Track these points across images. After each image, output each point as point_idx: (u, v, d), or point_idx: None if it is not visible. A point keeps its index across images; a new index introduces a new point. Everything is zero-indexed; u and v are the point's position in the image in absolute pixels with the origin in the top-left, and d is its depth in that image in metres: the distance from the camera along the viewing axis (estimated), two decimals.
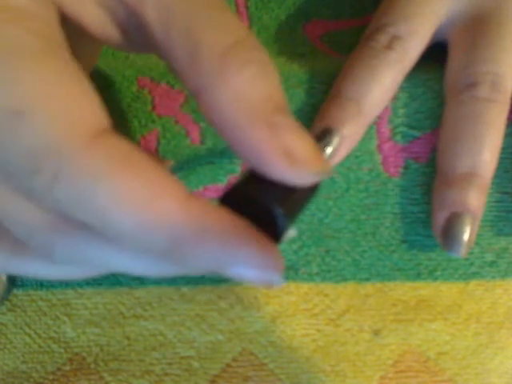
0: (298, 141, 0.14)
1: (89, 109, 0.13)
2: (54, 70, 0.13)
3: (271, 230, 0.15)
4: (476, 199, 0.22)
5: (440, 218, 0.23)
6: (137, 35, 0.16)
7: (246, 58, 0.14)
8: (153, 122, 0.24)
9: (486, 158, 0.22)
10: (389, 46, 0.23)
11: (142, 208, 0.13)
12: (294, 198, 0.15)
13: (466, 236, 0.22)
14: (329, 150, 0.22)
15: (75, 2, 0.15)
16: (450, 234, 0.22)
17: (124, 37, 0.16)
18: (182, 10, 0.14)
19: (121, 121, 0.24)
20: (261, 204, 0.14)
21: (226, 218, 0.14)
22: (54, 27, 0.14)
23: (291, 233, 0.15)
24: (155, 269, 0.15)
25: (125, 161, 0.13)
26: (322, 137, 0.22)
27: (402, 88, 0.24)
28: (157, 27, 0.15)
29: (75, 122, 0.13)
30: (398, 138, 0.24)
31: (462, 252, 0.22)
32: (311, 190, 0.15)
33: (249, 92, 0.14)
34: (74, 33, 0.16)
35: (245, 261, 0.13)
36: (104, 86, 0.24)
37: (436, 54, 0.25)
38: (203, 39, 0.14)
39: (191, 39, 0.14)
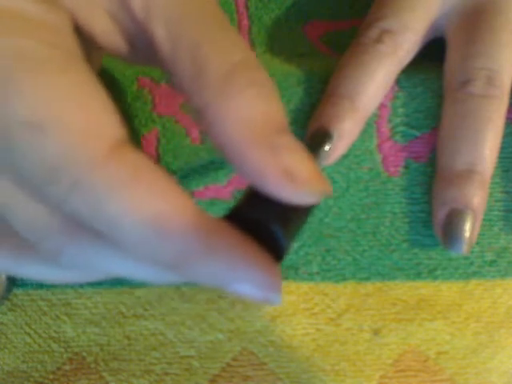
0: (299, 160, 0.14)
1: (107, 121, 0.14)
2: (72, 82, 0.13)
3: (273, 248, 0.15)
4: (476, 196, 0.22)
5: (440, 215, 0.23)
6: (143, 49, 0.16)
7: (250, 79, 0.14)
8: (153, 121, 0.24)
9: (485, 154, 0.22)
10: (378, 40, 0.23)
11: (154, 220, 0.13)
12: (295, 217, 0.15)
13: (467, 233, 0.22)
14: (326, 148, 0.22)
15: (88, 12, 0.15)
16: (450, 231, 0.22)
17: (131, 49, 0.17)
18: (191, 28, 0.15)
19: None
20: (263, 224, 0.15)
21: (233, 236, 0.14)
22: (69, 37, 0.15)
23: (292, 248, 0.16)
24: (159, 277, 0.15)
25: (140, 173, 0.13)
26: (319, 135, 0.22)
27: (401, 87, 0.24)
28: (164, 44, 0.15)
29: (93, 135, 0.13)
30: (398, 137, 0.24)
31: (464, 249, 0.22)
32: (309, 209, 0.16)
33: (251, 112, 0.14)
34: (83, 41, 0.16)
35: (248, 279, 0.14)
36: (104, 85, 0.24)
37: (436, 53, 0.25)
38: (209, 59, 0.14)
39: (198, 58, 0.15)
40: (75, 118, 0.13)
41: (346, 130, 0.23)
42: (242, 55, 0.15)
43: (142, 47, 0.16)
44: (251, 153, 0.14)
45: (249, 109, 0.14)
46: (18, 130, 0.13)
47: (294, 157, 0.14)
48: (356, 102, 0.23)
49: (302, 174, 0.14)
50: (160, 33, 0.15)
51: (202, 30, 0.15)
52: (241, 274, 0.14)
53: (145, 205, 0.13)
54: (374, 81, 0.23)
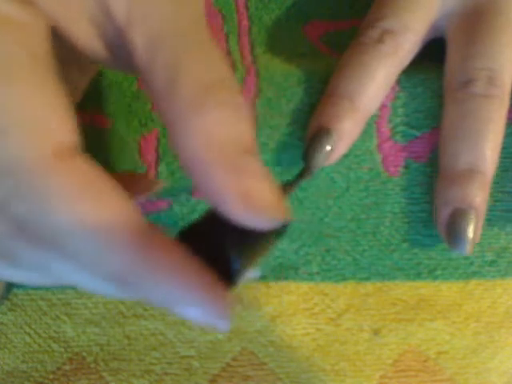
0: (260, 185, 0.14)
1: (57, 129, 0.13)
2: (31, 86, 0.13)
3: (226, 271, 0.15)
4: (478, 195, 0.22)
5: (444, 214, 0.23)
6: (122, 57, 0.16)
7: (222, 100, 0.14)
8: (153, 121, 0.24)
9: (486, 154, 0.22)
10: (379, 40, 0.23)
11: (97, 231, 0.13)
12: (254, 241, 0.15)
13: (470, 233, 0.22)
14: (326, 148, 0.22)
15: (67, 16, 0.15)
16: (454, 230, 0.22)
17: (110, 56, 0.16)
18: (170, 42, 0.15)
19: (121, 120, 0.24)
20: (217, 245, 0.15)
21: (178, 254, 0.14)
22: (41, 39, 0.14)
23: (252, 274, 0.15)
24: (106, 290, 0.15)
25: (86, 185, 0.13)
26: (319, 135, 0.22)
27: (401, 87, 0.24)
28: (142, 54, 0.15)
29: (40, 142, 0.13)
30: (398, 137, 0.24)
31: (468, 249, 0.22)
32: (276, 234, 0.15)
33: (218, 133, 0.14)
34: (63, 45, 0.16)
35: (191, 304, 0.14)
36: (104, 85, 0.24)
37: (436, 53, 0.25)
38: (184, 74, 0.14)
39: (173, 72, 0.14)
40: (25, 123, 0.13)
41: (346, 130, 0.23)
42: (219, 75, 0.15)
43: (121, 55, 0.16)
44: (212, 173, 0.14)
45: (217, 128, 0.14)
46: None
47: (256, 181, 0.14)
48: (356, 102, 0.23)
49: (261, 200, 0.14)
50: (139, 42, 0.15)
51: (182, 45, 0.15)
52: (185, 298, 0.14)
53: (89, 215, 0.13)
54: (375, 81, 0.23)
